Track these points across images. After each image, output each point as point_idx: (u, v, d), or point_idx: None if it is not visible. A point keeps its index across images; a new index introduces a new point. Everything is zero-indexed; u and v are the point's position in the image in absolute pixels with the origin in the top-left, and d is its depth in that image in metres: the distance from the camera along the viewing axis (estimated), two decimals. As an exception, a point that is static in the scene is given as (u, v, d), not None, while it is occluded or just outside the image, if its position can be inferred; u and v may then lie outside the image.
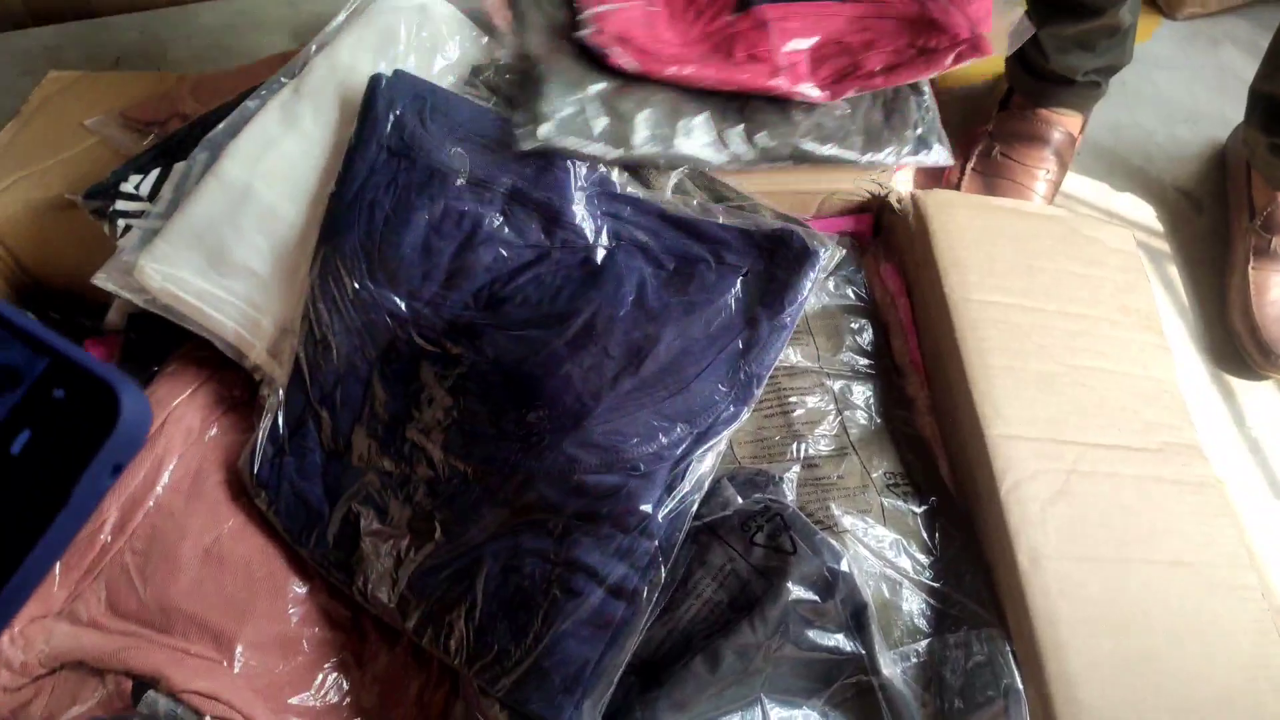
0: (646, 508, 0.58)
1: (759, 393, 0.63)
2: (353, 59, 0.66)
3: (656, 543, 0.58)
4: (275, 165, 0.64)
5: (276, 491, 0.64)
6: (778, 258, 0.66)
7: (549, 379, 0.60)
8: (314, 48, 0.68)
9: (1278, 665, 0.66)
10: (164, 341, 0.70)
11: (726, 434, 0.62)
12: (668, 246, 0.67)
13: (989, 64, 1.26)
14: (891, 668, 0.61)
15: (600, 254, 0.66)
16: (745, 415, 0.63)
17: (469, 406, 0.62)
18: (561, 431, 0.60)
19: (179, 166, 0.65)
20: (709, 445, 0.61)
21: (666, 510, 0.59)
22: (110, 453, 0.22)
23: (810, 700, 0.60)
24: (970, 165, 1.16)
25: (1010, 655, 0.63)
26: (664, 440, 0.60)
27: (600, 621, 0.57)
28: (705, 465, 0.61)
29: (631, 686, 0.58)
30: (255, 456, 0.65)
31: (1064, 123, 1.15)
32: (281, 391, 0.64)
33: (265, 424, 0.65)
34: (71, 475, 0.22)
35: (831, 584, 0.59)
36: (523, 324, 0.63)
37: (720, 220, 0.67)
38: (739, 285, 0.65)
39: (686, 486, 0.60)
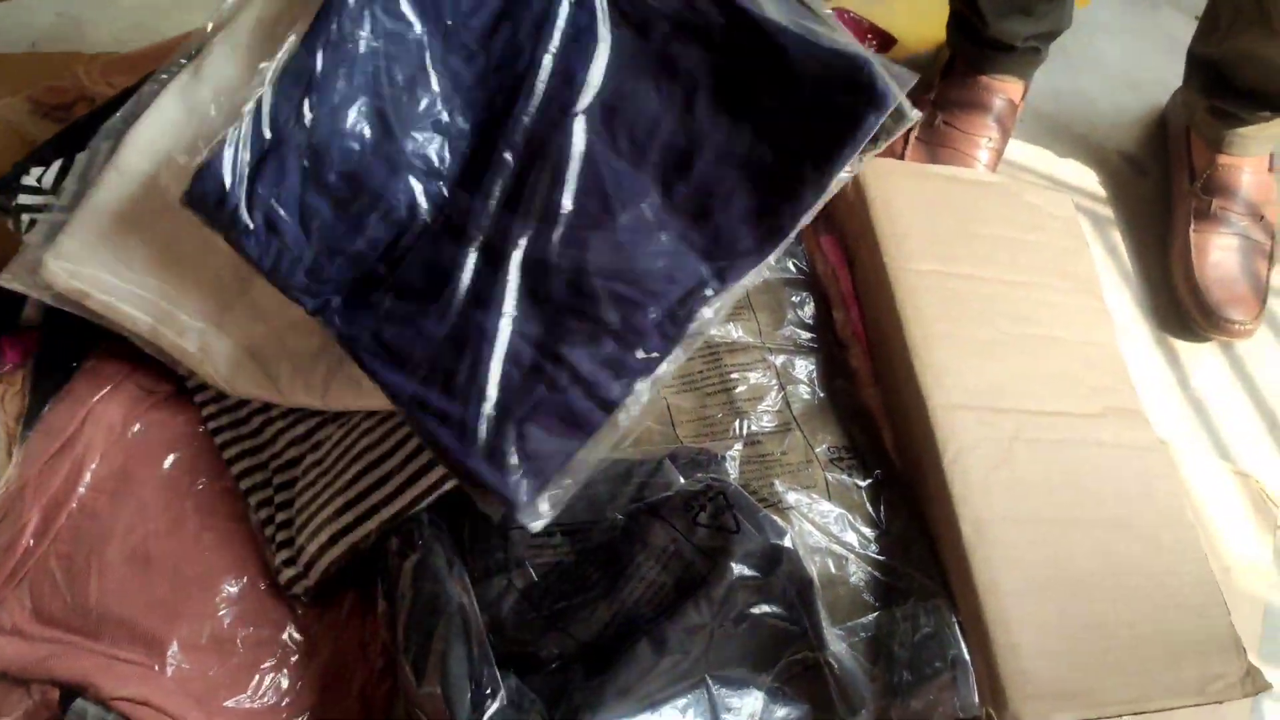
0: (647, 329, 0.57)
1: (783, 245, 0.59)
2: (251, 38, 0.64)
3: (647, 365, 0.57)
4: (176, 152, 0.61)
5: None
6: (837, 90, 0.58)
7: (586, 170, 0.59)
8: (209, 27, 0.65)
9: (1221, 627, 0.67)
10: (83, 337, 0.68)
11: (744, 280, 0.59)
12: (729, 41, 0.61)
13: (933, 32, 1.26)
14: (838, 643, 0.61)
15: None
16: (767, 261, 0.59)
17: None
18: (583, 227, 0.58)
19: (81, 157, 0.62)
20: (726, 287, 0.58)
21: (667, 338, 0.57)
22: None
23: (758, 679, 0.59)
24: (914, 134, 1.15)
25: (956, 626, 0.62)
26: (681, 268, 0.58)
27: (573, 421, 0.56)
28: (711, 311, 0.58)
29: (576, 671, 0.57)
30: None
31: (1005, 89, 1.14)
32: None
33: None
34: None
35: (775, 561, 0.59)
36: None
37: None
38: (789, 121, 0.60)
39: (691, 324, 0.58)
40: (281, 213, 0.58)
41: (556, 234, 0.59)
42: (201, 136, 0.60)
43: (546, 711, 0.55)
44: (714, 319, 0.59)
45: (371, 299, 0.59)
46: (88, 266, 0.60)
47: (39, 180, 0.64)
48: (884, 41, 1.21)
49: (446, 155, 0.62)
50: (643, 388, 0.57)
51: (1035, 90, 1.22)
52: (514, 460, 0.55)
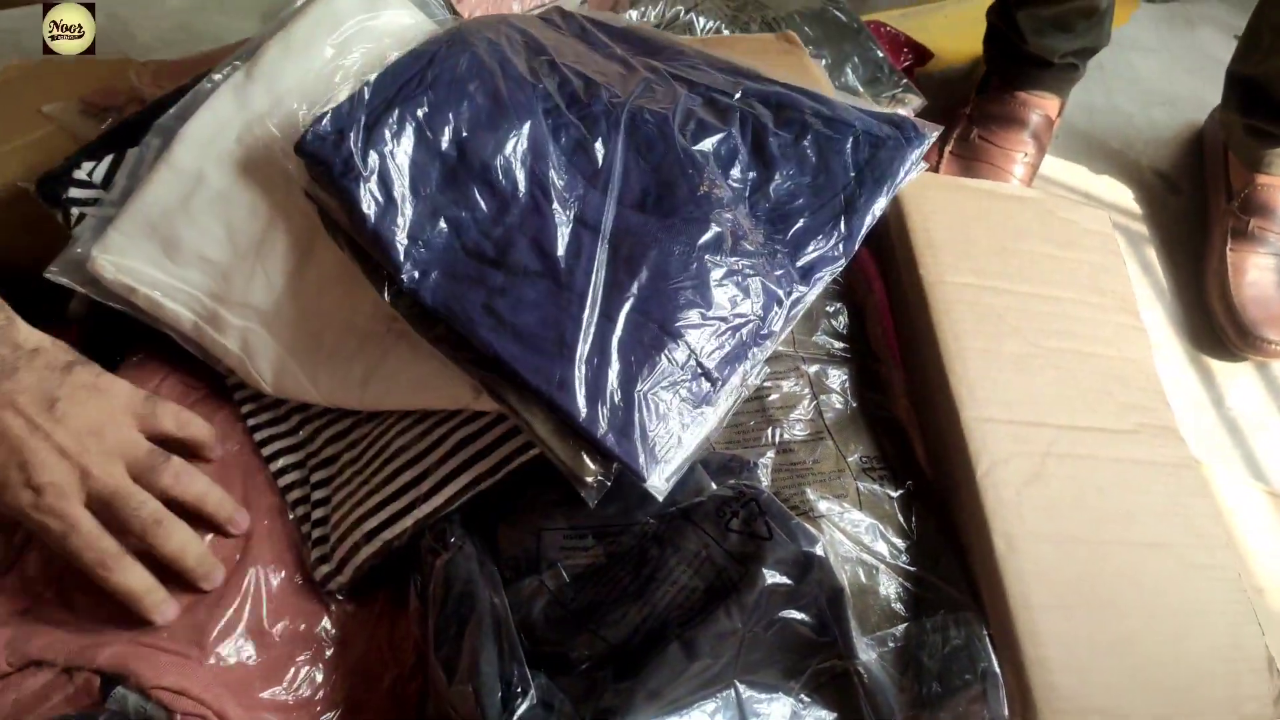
0: (749, 315, 0.61)
1: (855, 248, 0.67)
2: (307, 42, 0.65)
3: (753, 345, 0.61)
4: (228, 150, 0.63)
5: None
6: (887, 136, 0.70)
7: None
8: (269, 31, 0.67)
9: (1254, 647, 0.66)
10: (126, 333, 0.69)
11: (827, 275, 0.65)
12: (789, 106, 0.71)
13: (968, 46, 1.26)
14: (868, 652, 0.61)
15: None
16: (844, 263, 0.66)
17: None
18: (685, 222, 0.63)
19: (132, 152, 0.64)
20: (810, 288, 0.65)
21: (777, 317, 0.62)
22: None
23: (786, 686, 0.59)
24: (948, 148, 1.16)
25: (987, 639, 0.62)
26: (777, 265, 0.64)
27: (690, 396, 0.58)
28: (799, 308, 0.64)
29: (605, 673, 0.57)
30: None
31: (1042, 105, 1.15)
32: None
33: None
34: None
35: (807, 568, 0.59)
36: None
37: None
38: (850, 142, 0.69)
39: (787, 317, 0.63)
40: (393, 166, 0.60)
41: (660, 221, 0.63)
42: (255, 134, 0.62)
43: (575, 711, 0.55)
44: (796, 317, 0.64)
45: (478, 273, 0.60)
46: (135, 261, 0.62)
47: (89, 175, 0.65)
48: (920, 56, 1.22)
49: (550, 140, 0.65)
50: (747, 368, 0.61)
51: (1071, 107, 1.22)
52: (638, 431, 0.56)
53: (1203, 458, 1.07)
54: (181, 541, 0.58)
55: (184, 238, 0.62)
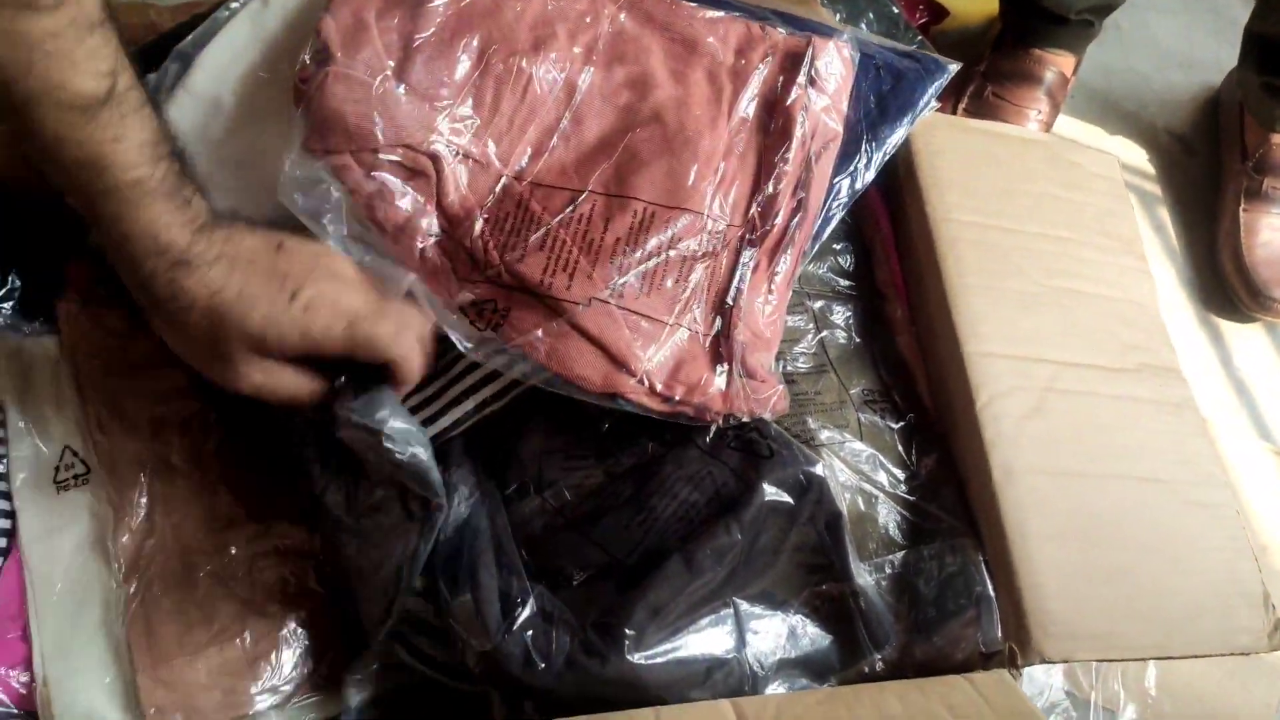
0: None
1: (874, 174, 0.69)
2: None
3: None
4: (244, 76, 0.64)
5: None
6: (908, 68, 0.72)
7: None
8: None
9: (1250, 581, 0.67)
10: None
11: (847, 199, 0.68)
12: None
13: (984, 4, 1.26)
14: (865, 577, 0.62)
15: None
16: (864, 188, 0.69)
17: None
18: None
19: (150, 78, 0.65)
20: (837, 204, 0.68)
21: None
22: None
23: (784, 605, 0.60)
24: (961, 105, 1.16)
25: (983, 564, 0.63)
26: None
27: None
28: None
29: (606, 586, 0.58)
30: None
31: (1057, 62, 1.14)
32: None
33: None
34: None
35: (805, 488, 0.60)
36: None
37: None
38: (871, 73, 0.71)
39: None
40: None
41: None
42: (270, 60, 0.63)
43: (575, 620, 0.56)
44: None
45: None
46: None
47: (109, 101, 0.66)
48: (936, 13, 1.21)
49: None
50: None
51: (1087, 67, 1.21)
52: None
53: (1210, 417, 1.07)
54: None
55: (200, 163, 0.63)
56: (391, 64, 0.61)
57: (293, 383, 0.55)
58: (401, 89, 0.61)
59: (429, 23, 0.62)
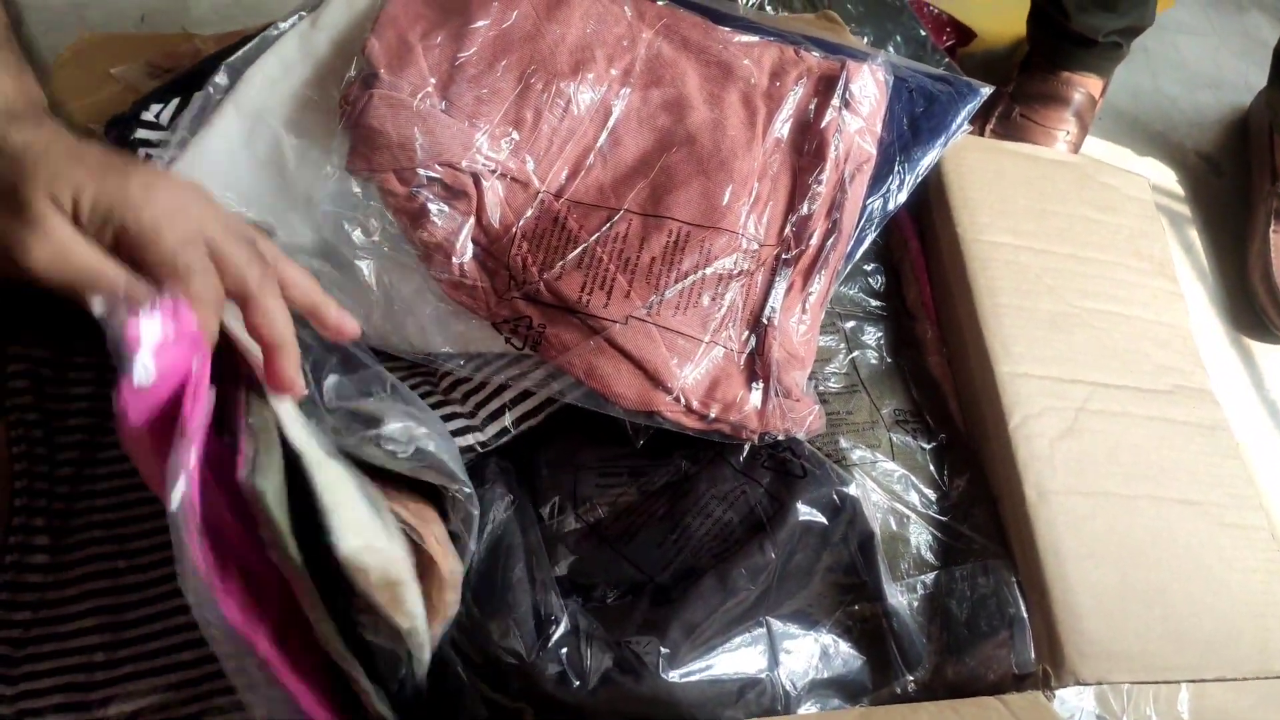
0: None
1: (907, 186, 0.70)
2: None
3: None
4: (291, 94, 0.65)
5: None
6: (940, 91, 0.73)
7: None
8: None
9: (1285, 601, 0.66)
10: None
11: (879, 219, 0.69)
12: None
13: (1011, 26, 1.26)
14: (897, 598, 0.62)
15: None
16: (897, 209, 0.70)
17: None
18: None
19: (198, 95, 0.66)
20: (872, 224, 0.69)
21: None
22: None
23: (816, 627, 0.61)
24: (989, 126, 1.16)
25: (1016, 586, 0.63)
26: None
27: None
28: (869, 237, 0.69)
29: (640, 604, 0.58)
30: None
31: (1085, 84, 1.14)
32: None
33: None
34: None
35: (839, 508, 0.60)
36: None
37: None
38: (905, 95, 0.72)
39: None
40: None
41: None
42: (317, 78, 0.64)
43: (610, 636, 0.56)
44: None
45: None
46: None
47: (157, 116, 0.68)
48: (963, 36, 1.22)
49: None
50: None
51: (1115, 88, 1.22)
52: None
53: (1243, 439, 1.06)
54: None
55: (245, 174, 0.64)
56: (434, 82, 0.63)
57: (93, 259, 0.41)
58: (443, 106, 0.62)
59: (471, 43, 0.64)
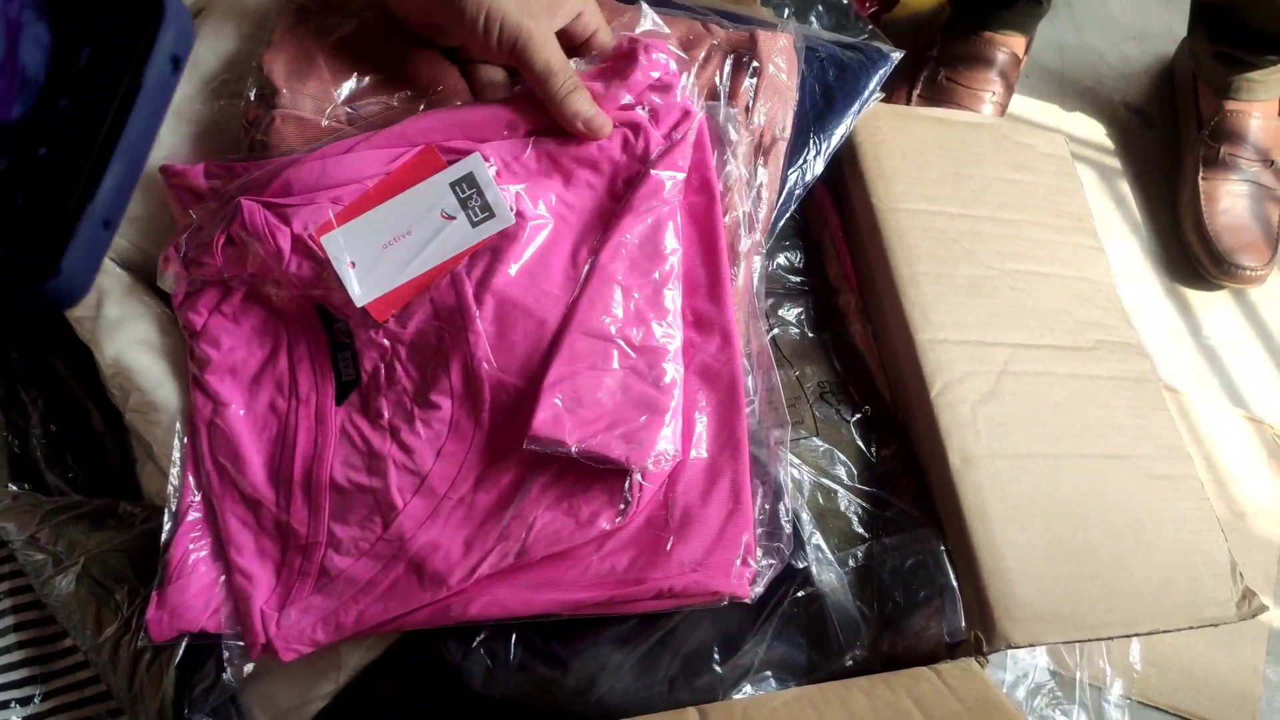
0: None
1: (823, 156, 0.70)
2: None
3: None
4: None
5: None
6: (850, 59, 0.73)
7: None
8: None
9: (1216, 552, 0.66)
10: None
11: (800, 191, 0.69)
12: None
13: (932, -10, 1.26)
14: (829, 571, 0.62)
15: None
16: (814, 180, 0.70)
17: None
18: None
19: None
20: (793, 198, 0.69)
21: None
22: (165, 45, 0.26)
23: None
24: (915, 91, 1.16)
25: (945, 554, 0.63)
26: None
27: None
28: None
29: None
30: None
31: (1008, 43, 1.14)
32: None
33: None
34: (136, 71, 0.25)
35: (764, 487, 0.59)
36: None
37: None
38: (816, 65, 0.71)
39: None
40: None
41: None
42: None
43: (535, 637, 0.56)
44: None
45: None
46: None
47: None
48: (886, 3, 1.21)
49: None
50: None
51: (1040, 45, 1.21)
52: None
53: (1182, 387, 1.07)
54: None
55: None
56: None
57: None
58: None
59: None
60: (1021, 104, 1.21)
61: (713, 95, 0.68)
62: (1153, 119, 1.24)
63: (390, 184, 0.58)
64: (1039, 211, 0.76)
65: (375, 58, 0.62)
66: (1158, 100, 1.25)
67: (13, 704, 0.65)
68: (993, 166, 0.77)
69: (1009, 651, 0.82)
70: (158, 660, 0.59)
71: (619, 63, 0.61)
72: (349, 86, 0.60)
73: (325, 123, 0.59)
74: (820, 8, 1.10)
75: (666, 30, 0.66)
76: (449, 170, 0.57)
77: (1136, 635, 0.63)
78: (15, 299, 0.25)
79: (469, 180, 0.57)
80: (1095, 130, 1.22)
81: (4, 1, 0.25)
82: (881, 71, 0.73)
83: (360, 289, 0.57)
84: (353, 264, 0.57)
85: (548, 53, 0.56)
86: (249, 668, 0.59)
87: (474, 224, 0.58)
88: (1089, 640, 0.62)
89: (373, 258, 0.58)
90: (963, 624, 0.61)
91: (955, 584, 0.62)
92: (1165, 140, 1.22)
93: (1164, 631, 0.63)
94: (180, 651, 0.59)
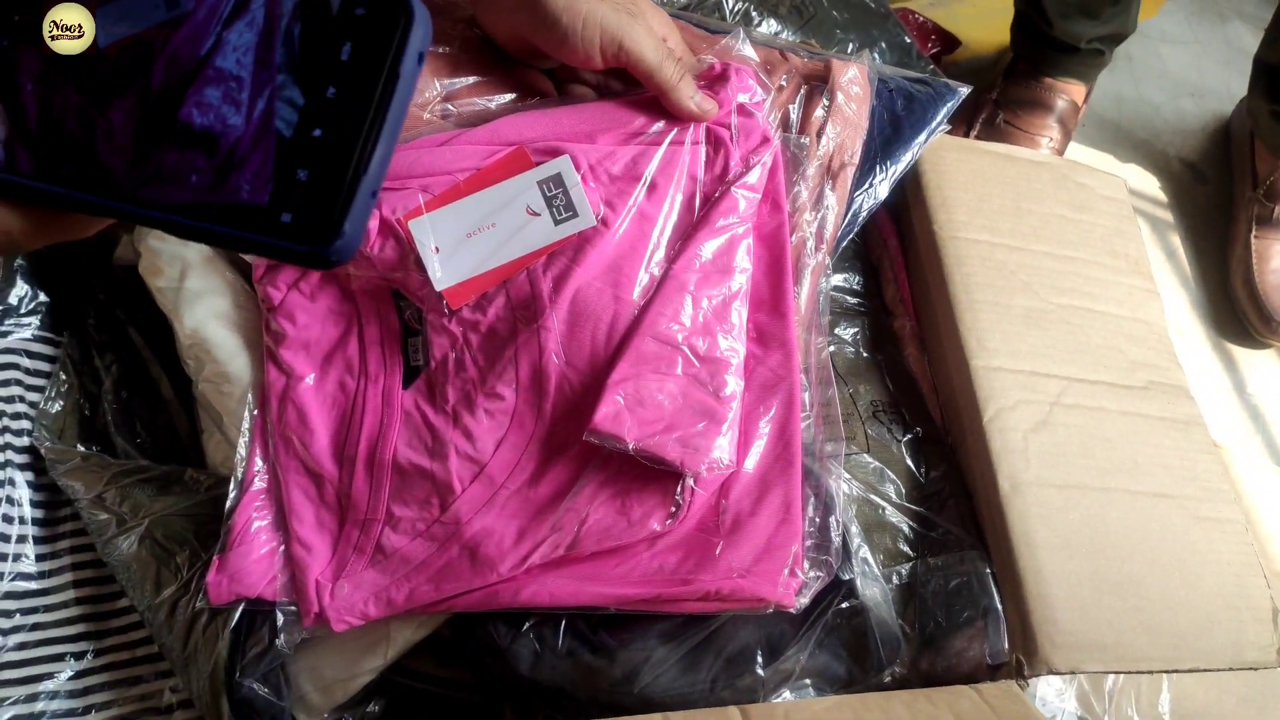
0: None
1: (888, 181, 0.72)
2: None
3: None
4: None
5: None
6: (919, 91, 0.75)
7: None
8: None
9: (1259, 597, 0.67)
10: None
11: (865, 215, 0.71)
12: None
13: (995, 34, 1.27)
14: (873, 587, 0.62)
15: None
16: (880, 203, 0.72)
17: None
18: None
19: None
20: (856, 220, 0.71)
21: None
22: (415, 42, 0.29)
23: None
24: (974, 131, 1.17)
25: (989, 576, 0.63)
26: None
27: None
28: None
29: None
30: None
31: (1068, 90, 1.16)
32: None
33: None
34: (393, 64, 0.29)
35: (815, 499, 0.60)
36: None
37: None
38: (885, 95, 0.73)
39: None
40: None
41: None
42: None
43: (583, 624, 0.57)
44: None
45: None
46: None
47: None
48: (948, 43, 1.23)
49: None
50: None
51: (1098, 96, 1.23)
52: None
53: (1224, 442, 1.07)
54: None
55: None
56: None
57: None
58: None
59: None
60: (1077, 152, 1.22)
61: (787, 120, 0.70)
62: (1206, 175, 1.25)
63: (480, 178, 0.60)
64: (1096, 251, 0.77)
65: (475, 62, 0.64)
66: (1212, 157, 1.26)
67: (67, 657, 0.67)
68: (1053, 204, 0.78)
69: (1038, 694, 0.82)
70: (214, 623, 0.61)
71: (711, 84, 0.63)
72: (448, 84, 0.62)
73: (426, 115, 0.61)
74: (883, 45, 1.12)
75: (757, 58, 0.68)
76: (538, 169, 0.59)
77: (1176, 672, 0.63)
78: (303, 258, 0.29)
79: (556, 180, 0.59)
80: (1149, 183, 1.23)
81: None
82: (949, 105, 0.75)
83: (441, 273, 0.59)
84: (436, 250, 0.59)
85: (652, 45, 0.58)
86: (301, 635, 0.60)
87: (557, 222, 0.59)
88: (1129, 672, 0.62)
89: (455, 246, 0.59)
90: (1005, 646, 0.61)
91: (999, 606, 0.62)
92: (1218, 196, 1.22)
93: (1204, 670, 0.63)
94: (236, 616, 0.60)
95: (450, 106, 0.62)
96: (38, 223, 0.33)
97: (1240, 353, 1.13)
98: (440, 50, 0.63)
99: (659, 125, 0.62)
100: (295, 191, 0.29)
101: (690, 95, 0.60)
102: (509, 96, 0.64)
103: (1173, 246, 1.19)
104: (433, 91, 0.62)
